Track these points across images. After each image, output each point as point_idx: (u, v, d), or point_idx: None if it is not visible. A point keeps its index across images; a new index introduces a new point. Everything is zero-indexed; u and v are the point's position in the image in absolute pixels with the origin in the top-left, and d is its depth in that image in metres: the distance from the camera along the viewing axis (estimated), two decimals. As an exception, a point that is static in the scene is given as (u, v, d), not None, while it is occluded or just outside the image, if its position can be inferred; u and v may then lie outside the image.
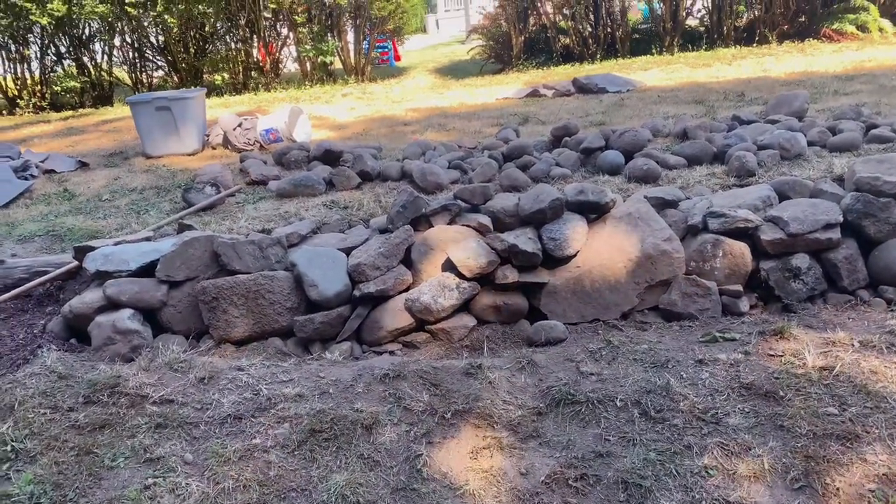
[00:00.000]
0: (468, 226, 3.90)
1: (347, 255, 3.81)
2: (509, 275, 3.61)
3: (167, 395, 2.84)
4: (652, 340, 3.22)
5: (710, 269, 3.63)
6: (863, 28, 12.14)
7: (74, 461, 2.51)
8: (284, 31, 14.38)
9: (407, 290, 3.69)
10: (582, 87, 9.55)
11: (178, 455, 2.54)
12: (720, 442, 2.47)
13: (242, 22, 13.66)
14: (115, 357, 3.39)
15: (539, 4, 14.35)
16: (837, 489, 2.23)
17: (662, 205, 3.95)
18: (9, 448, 2.52)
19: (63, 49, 13.99)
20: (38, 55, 13.80)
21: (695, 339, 3.24)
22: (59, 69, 13.98)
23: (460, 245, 3.69)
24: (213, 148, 7.41)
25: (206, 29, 13.65)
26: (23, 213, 5.50)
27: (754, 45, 12.75)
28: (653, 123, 6.09)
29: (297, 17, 13.35)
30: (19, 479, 2.39)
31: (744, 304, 3.57)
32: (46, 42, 13.72)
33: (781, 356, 2.89)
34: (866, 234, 3.65)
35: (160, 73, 14.67)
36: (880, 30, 12.13)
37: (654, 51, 13.27)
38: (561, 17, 14.39)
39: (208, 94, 10.54)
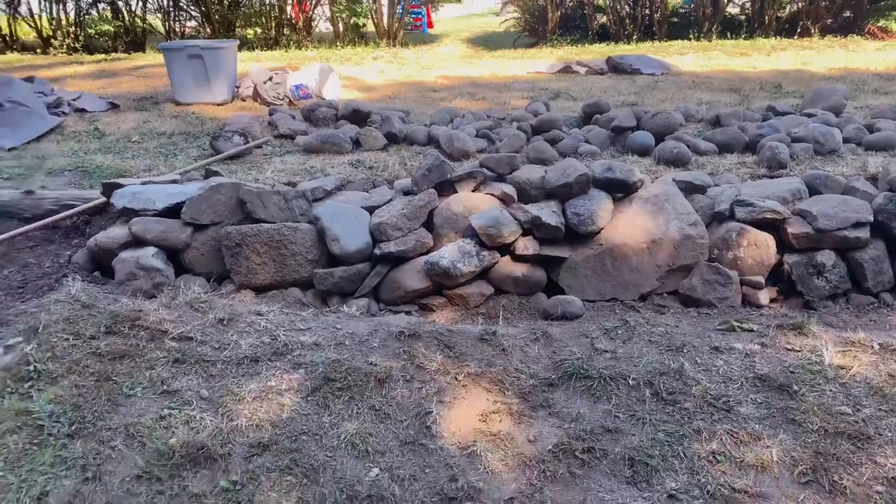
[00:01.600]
0: (492, 194, 3.89)
1: (370, 213, 3.82)
2: (530, 246, 3.61)
3: (186, 333, 2.88)
4: (669, 324, 3.21)
5: (734, 257, 3.61)
6: (909, 29, 11.88)
7: (94, 386, 2.56)
8: (320, -11, 14.27)
9: (427, 252, 3.70)
10: (616, 67, 9.43)
11: (195, 390, 2.59)
12: (730, 429, 2.48)
13: (278, -23, 13.56)
14: (137, 292, 3.43)
15: (579, -20, 14.12)
16: (845, 487, 2.23)
17: (690, 189, 3.92)
18: (31, 368, 2.57)
19: (99, -8, 13.98)
20: (75, -3, 13.80)
21: (712, 326, 3.23)
22: (94, 12, 13.97)
23: (483, 213, 3.69)
24: (243, 100, 7.41)
25: (242, -19, 13.58)
26: (53, 148, 5.55)
27: (795, 37, 12.49)
28: (685, 108, 6.01)
29: (333, -24, 13.25)
30: (40, 398, 2.45)
31: (764, 297, 3.56)
32: (83, -16, 13.72)
33: (799, 351, 2.88)
34: (896, 236, 3.61)
35: (193, 23, 14.62)
36: (927, 32, 11.86)
37: (691, 36, 13.04)
38: (600, -5, 14.17)
39: (240, 48, 10.48)
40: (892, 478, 2.25)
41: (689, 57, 10.58)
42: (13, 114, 5.77)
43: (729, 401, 2.61)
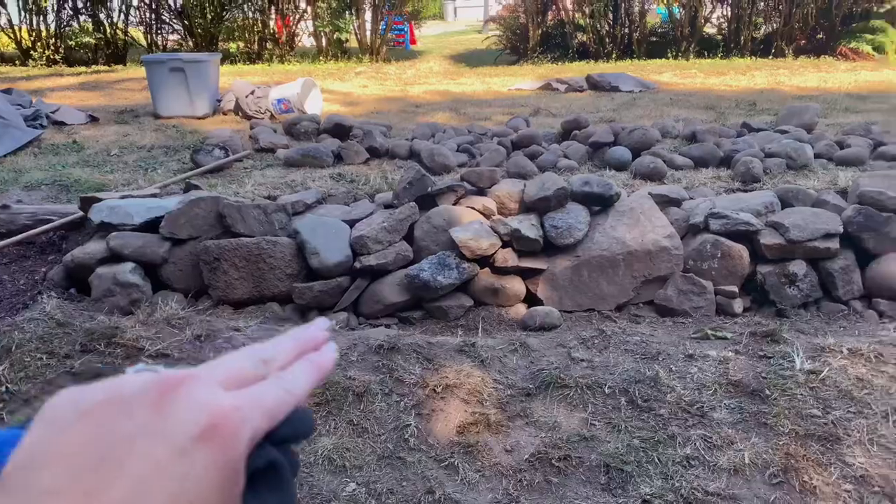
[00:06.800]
0: (473, 208, 3.93)
1: (351, 227, 3.84)
2: (509, 259, 3.64)
3: (163, 350, 2.88)
4: (644, 333, 3.26)
5: (708, 268, 3.67)
6: (879, 49, 12.13)
7: (68, 404, 2.54)
8: (303, 4, 14.32)
9: (407, 265, 3.72)
10: (595, 84, 9.55)
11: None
12: (703, 434, 2.52)
13: (261, -8, 13.61)
14: (114, 309, 3.42)
15: (559, -1, 14.31)
16: (815, 487, 2.28)
17: (666, 202, 3.98)
18: (3, 389, 2.56)
19: (80, 4, 13.92)
20: (55, 8, 13.72)
21: (687, 334, 3.28)
22: (75, 24, 13.93)
23: (464, 226, 3.72)
24: (224, 114, 7.41)
25: (225, -5, 13.60)
26: (31, 162, 5.52)
27: (770, 57, 12.73)
28: (663, 124, 6.10)
29: (317, -8, 13.32)
30: (11, 420, 2.42)
31: (738, 306, 3.62)
32: (64, -5, 13.67)
33: (771, 357, 2.93)
34: (865, 247, 3.69)
35: (175, 36, 14.60)
36: (897, 52, 12.13)
37: (669, 55, 13.25)
38: (580, 14, 14.35)
39: (222, 62, 10.49)
40: (860, 476, 2.30)
41: (666, 75, 10.75)
42: (-10, 128, 5.73)
43: (703, 407, 2.65)
